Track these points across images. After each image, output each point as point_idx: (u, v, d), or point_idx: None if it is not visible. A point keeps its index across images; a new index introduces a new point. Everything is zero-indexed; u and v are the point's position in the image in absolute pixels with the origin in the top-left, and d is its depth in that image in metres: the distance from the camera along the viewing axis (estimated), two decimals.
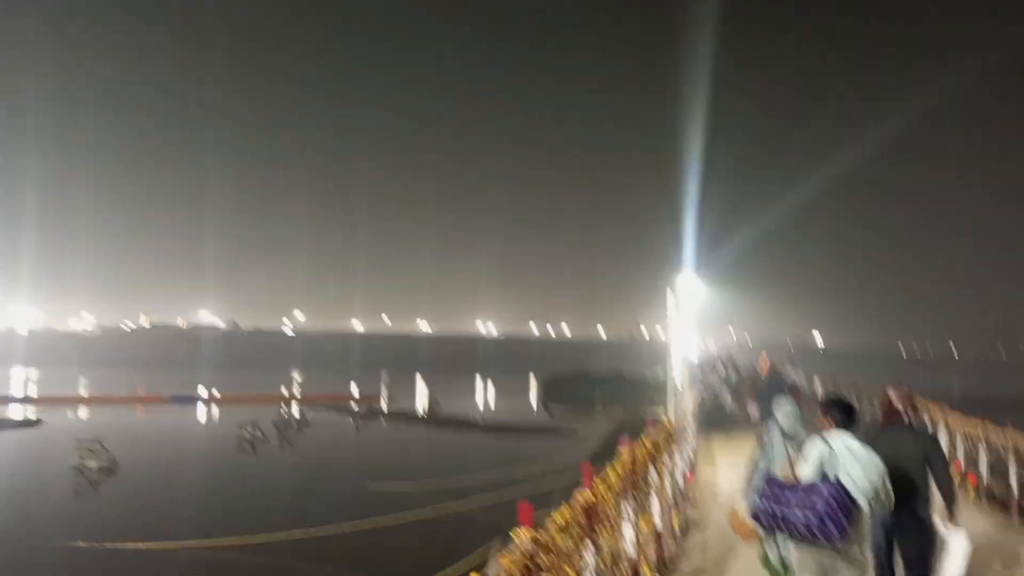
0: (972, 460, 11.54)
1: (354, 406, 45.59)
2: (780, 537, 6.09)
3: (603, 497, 4.54)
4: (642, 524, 5.94)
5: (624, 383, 45.12)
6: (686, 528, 8.57)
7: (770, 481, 5.09)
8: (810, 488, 4.75)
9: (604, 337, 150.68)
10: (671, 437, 8.65)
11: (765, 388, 15.30)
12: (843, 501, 4.60)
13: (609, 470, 5.05)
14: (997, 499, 10.55)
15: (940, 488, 5.61)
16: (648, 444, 6.45)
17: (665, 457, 7.61)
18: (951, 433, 12.79)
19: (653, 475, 6.33)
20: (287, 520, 16.34)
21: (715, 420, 20.45)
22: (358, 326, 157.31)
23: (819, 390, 24.33)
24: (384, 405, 50.49)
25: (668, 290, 12.96)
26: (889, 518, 5.57)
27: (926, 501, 5.62)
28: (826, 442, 5.07)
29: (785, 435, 6.73)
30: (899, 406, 5.94)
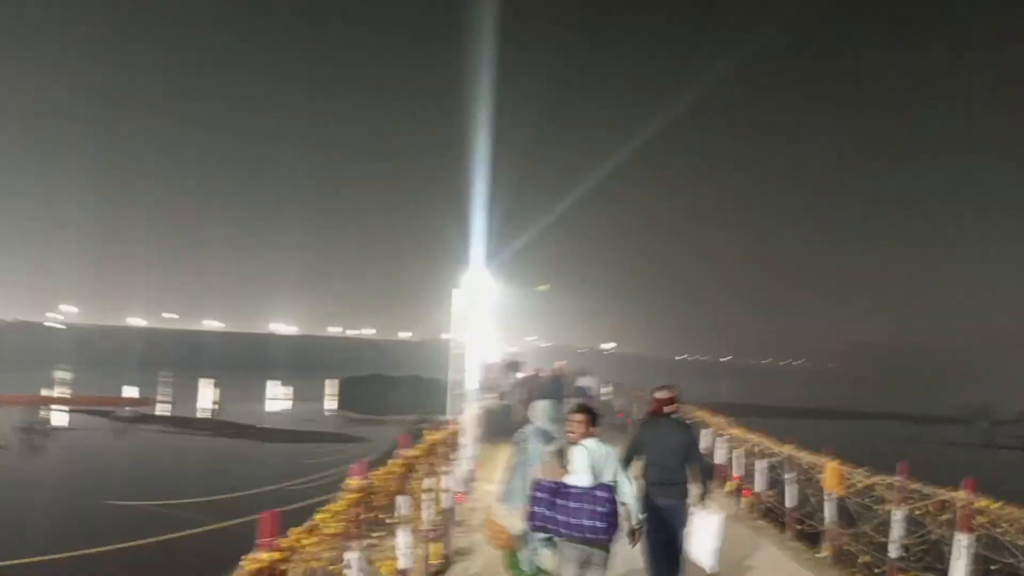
0: (749, 472, 11.48)
1: (121, 410, 40.90)
2: (532, 543, 6.09)
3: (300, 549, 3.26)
4: (378, 568, 4.71)
5: (421, 387, 44.00)
6: (448, 561, 7.41)
7: (542, 487, 5.12)
8: (590, 492, 4.98)
9: (407, 339, 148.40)
10: (441, 448, 7.52)
11: (544, 391, 15.52)
12: (614, 502, 4.99)
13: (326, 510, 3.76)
14: (773, 513, 10.44)
15: (698, 470, 6.51)
16: (401, 461, 5.23)
17: (423, 477, 6.42)
18: (724, 438, 12.85)
19: (400, 502, 5.12)
20: None
21: (503, 427, 19.79)
22: (139, 322, 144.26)
23: (607, 395, 24.47)
24: (158, 409, 46.00)
25: (453, 290, 11.90)
26: (662, 499, 6.22)
27: (683, 484, 6.33)
28: (586, 447, 5.26)
29: (542, 436, 6.73)
30: (664, 404, 6.64)
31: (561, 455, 5.99)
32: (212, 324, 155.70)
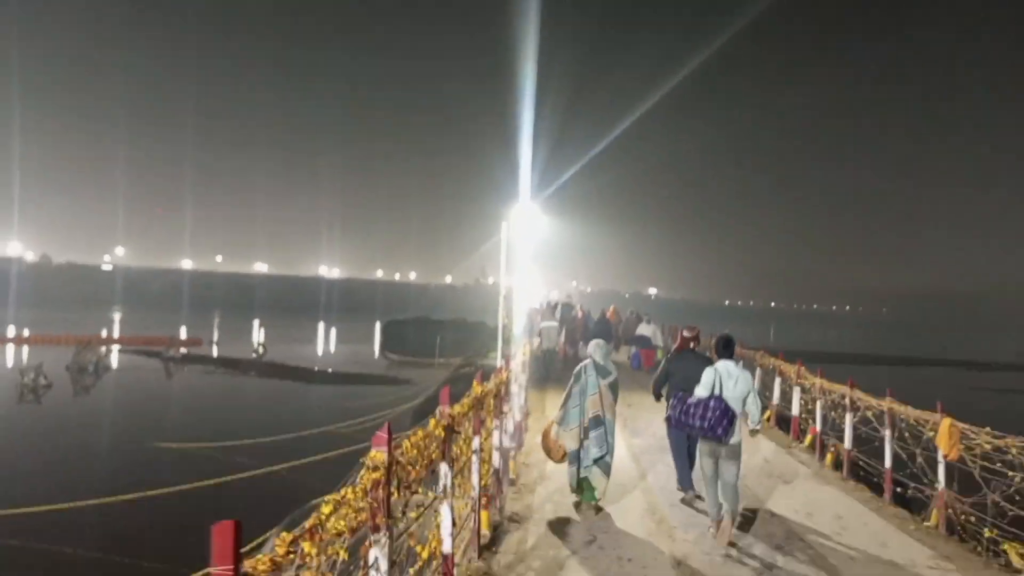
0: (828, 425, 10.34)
1: (172, 350, 40.98)
2: (584, 459, 7.38)
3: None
4: (418, 552, 3.74)
5: (466, 330, 43.36)
6: (499, 530, 6.47)
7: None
8: (705, 402, 6.55)
9: (449, 284, 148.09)
10: (490, 400, 6.52)
11: (597, 332, 17.55)
12: (723, 411, 6.45)
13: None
14: (864, 473, 9.31)
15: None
16: (443, 422, 4.21)
17: (471, 436, 5.42)
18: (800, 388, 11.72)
19: (443, 471, 4.12)
20: (39, 488, 13.39)
21: (550, 371, 18.88)
22: (188, 265, 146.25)
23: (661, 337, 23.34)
24: (208, 350, 46.26)
25: (503, 223, 10.78)
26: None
27: None
28: (714, 368, 6.77)
29: (599, 371, 7.67)
30: (689, 341, 8.31)
31: (613, 388, 7.76)
32: (260, 267, 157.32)
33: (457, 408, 4.60)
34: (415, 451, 3.39)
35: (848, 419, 9.49)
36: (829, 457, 10.06)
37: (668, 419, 7.12)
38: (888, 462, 8.39)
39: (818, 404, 10.64)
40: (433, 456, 3.85)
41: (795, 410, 11.74)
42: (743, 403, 6.65)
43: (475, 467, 5.36)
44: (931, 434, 7.42)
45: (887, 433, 8.43)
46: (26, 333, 48.39)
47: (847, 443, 9.50)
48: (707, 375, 6.69)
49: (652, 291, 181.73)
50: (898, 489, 8.25)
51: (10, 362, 37.52)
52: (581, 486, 7.42)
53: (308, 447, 15.49)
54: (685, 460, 7.98)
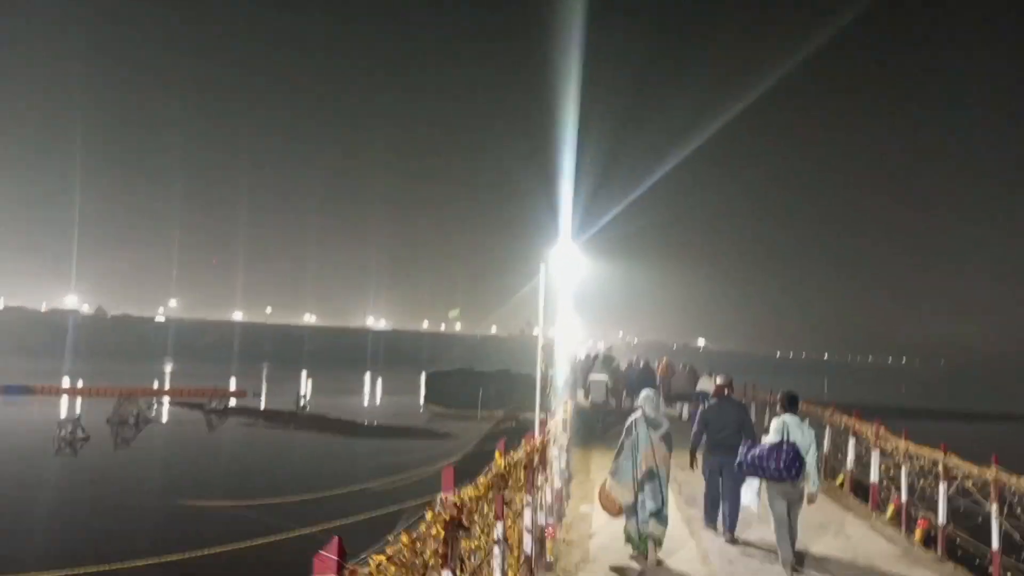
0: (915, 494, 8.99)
1: (215, 402, 40.69)
2: (641, 514, 7.39)
3: None
4: None
5: (509, 382, 42.28)
6: None
7: (750, 446, 7.48)
8: (778, 446, 7.23)
9: (494, 335, 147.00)
10: (520, 473, 5.47)
11: (635, 382, 18.21)
12: (795, 454, 7.17)
13: None
14: (963, 553, 7.95)
15: (749, 439, 7.95)
16: (451, 508, 3.21)
17: (491, 522, 4.37)
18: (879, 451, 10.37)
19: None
20: (44, 549, 12.71)
21: (596, 427, 17.67)
22: (239, 317, 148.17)
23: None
24: (252, 402, 45.93)
25: (541, 265, 9.83)
26: (720, 458, 8.30)
27: (736, 447, 7.71)
28: (782, 419, 7.51)
29: (649, 423, 7.65)
30: (722, 389, 8.96)
31: (667, 439, 7.70)
32: (309, 318, 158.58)
33: (469, 492, 3.58)
34: (395, 568, 2.40)
35: (942, 489, 8.18)
36: (918, 533, 8.70)
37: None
38: (996, 543, 7.06)
39: (903, 470, 9.30)
40: (429, 563, 2.85)
41: (874, 476, 10.38)
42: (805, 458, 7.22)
43: (497, 561, 4.30)
44: None
45: (993, 508, 7.11)
46: (79, 384, 48.78)
47: (941, 517, 8.17)
48: (775, 423, 7.48)
49: (701, 342, 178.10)
50: (1009, 574, 6.92)
51: (63, 413, 37.61)
52: (639, 540, 7.46)
53: (335, 508, 14.59)
54: (716, 499, 8.55)
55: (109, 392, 41.82)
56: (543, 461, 7.09)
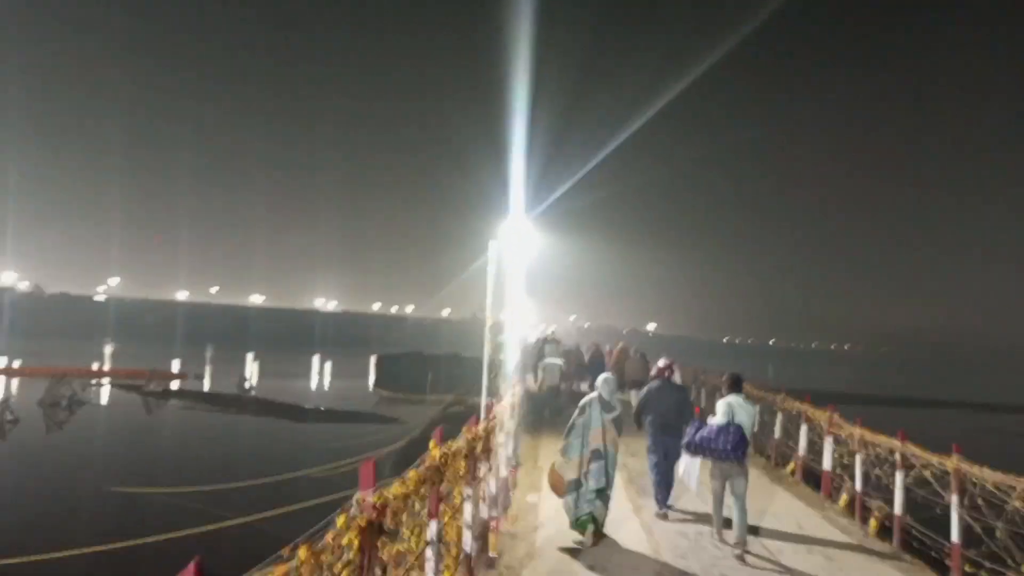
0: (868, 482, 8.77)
1: (153, 384, 39.33)
2: (583, 493, 7.46)
3: None
4: None
5: (459, 365, 41.84)
6: None
7: (698, 427, 7.78)
8: (725, 428, 7.58)
9: (447, 318, 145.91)
10: (460, 464, 4.97)
11: (590, 366, 20.13)
12: (741, 435, 7.56)
13: None
14: (920, 544, 7.73)
15: (685, 421, 8.43)
16: (369, 510, 2.72)
17: (423, 521, 3.88)
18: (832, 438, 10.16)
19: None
20: None
21: (545, 412, 17.34)
22: (184, 297, 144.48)
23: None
24: (193, 384, 44.61)
25: (491, 242, 9.33)
26: (661, 438, 8.91)
27: (680, 429, 8.38)
28: (727, 401, 7.81)
29: (603, 405, 7.83)
30: (663, 371, 9.43)
31: (617, 423, 7.87)
32: (256, 298, 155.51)
33: (395, 489, 3.08)
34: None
35: (899, 479, 7.95)
36: (873, 523, 8.49)
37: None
38: (956, 535, 6.83)
39: (857, 459, 9.08)
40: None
41: (827, 464, 10.17)
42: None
43: (430, 563, 3.82)
44: (1019, 504, 5.90)
45: (954, 499, 6.87)
46: (14, 365, 46.84)
47: (897, 508, 7.95)
48: (722, 406, 7.78)
49: (651, 327, 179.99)
50: (967, 568, 6.70)
51: None
52: (580, 520, 7.48)
53: (276, 494, 13.98)
54: (663, 478, 8.85)
55: (43, 373, 40.12)
56: (487, 449, 6.62)
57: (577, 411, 7.90)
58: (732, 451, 7.39)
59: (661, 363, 9.54)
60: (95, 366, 51.33)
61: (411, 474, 3.51)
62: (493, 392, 11.16)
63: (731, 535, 7.49)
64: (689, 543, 7.66)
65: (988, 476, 6.32)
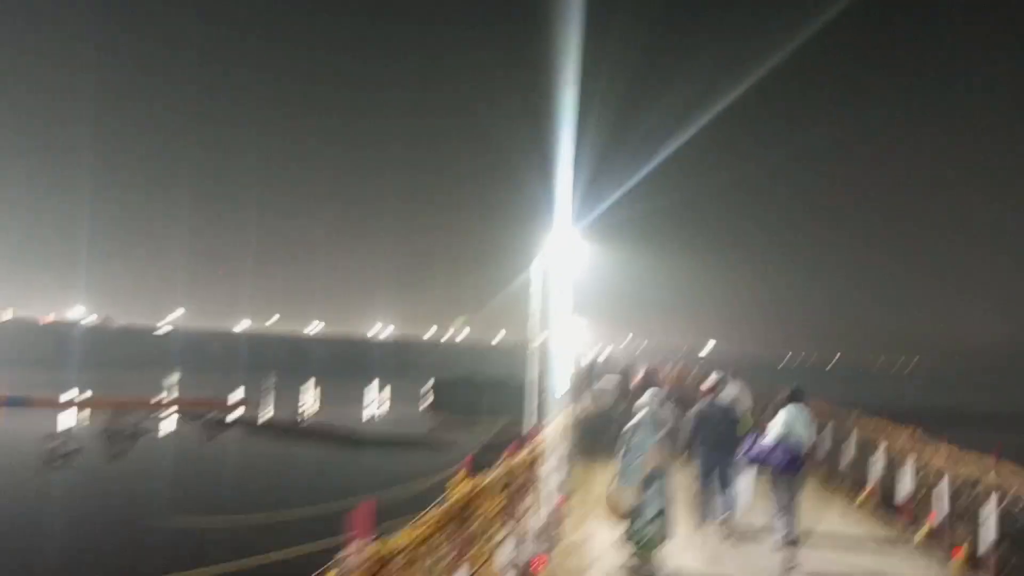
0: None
1: (213, 414, 39.94)
2: (646, 516, 7.31)
3: None
4: None
5: (511, 389, 41.51)
6: None
7: (755, 443, 7.98)
8: (782, 442, 7.68)
9: (499, 343, 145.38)
10: (493, 499, 4.49)
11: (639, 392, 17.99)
12: (800, 449, 7.68)
13: None
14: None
15: (735, 443, 8.59)
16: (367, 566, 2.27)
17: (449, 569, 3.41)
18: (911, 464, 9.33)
19: None
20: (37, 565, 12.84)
21: (599, 440, 16.73)
22: (246, 325, 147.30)
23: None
24: (251, 413, 45.14)
25: (535, 260, 8.87)
26: (713, 455, 8.62)
27: (730, 448, 8.53)
28: (787, 412, 7.94)
29: (654, 422, 7.75)
30: (710, 391, 9.24)
31: (671, 436, 7.89)
32: (316, 325, 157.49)
33: (401, 539, 2.62)
34: None
35: (992, 505, 7.15)
36: (961, 555, 7.65)
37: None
38: None
39: (944, 484, 8.24)
40: None
41: (907, 490, 9.32)
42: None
43: None
44: None
45: None
46: (82, 397, 48.06)
47: (990, 538, 7.14)
48: (782, 416, 7.95)
49: (711, 343, 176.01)
50: None
51: (60, 426, 36.93)
52: (644, 544, 7.35)
53: (329, 525, 13.71)
54: (711, 495, 8.63)
55: (107, 404, 41.16)
56: (531, 479, 6.11)
57: (629, 433, 7.76)
58: (789, 465, 7.47)
59: (711, 380, 9.32)
60: (158, 397, 52.48)
61: (429, 516, 3.05)
62: (541, 416, 10.66)
63: (786, 550, 7.46)
64: (747, 559, 7.69)
65: None
